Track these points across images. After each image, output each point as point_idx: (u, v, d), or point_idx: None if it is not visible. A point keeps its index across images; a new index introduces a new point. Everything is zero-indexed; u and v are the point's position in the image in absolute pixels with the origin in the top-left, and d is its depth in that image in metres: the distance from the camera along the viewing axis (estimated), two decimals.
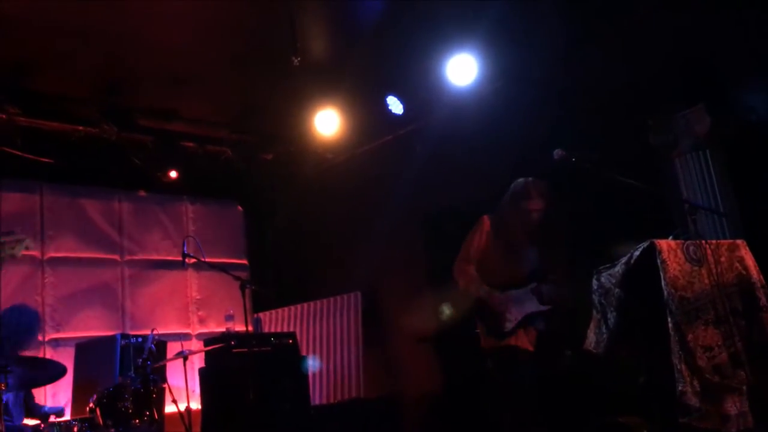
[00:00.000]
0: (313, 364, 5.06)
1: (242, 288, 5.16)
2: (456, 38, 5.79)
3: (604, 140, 5.35)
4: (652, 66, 5.29)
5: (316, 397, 6.92)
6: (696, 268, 3.35)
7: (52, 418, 5.32)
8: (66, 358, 6.27)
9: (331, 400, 6.97)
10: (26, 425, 5.17)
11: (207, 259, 5.69)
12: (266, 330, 7.43)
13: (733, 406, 3.31)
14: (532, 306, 4.56)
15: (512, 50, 5.76)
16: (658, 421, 3.80)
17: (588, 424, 4.74)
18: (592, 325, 3.53)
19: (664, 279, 3.22)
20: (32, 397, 5.50)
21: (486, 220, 4.78)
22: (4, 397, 4.95)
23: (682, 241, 3.47)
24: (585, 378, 4.95)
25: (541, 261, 4.63)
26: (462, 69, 5.88)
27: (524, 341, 4.60)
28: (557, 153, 3.92)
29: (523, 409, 4.52)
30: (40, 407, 5.50)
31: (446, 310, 5.92)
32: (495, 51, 5.81)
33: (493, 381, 4.73)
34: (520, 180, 4.74)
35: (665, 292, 3.21)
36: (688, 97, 5.24)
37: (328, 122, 6.58)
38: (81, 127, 6.51)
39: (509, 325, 4.56)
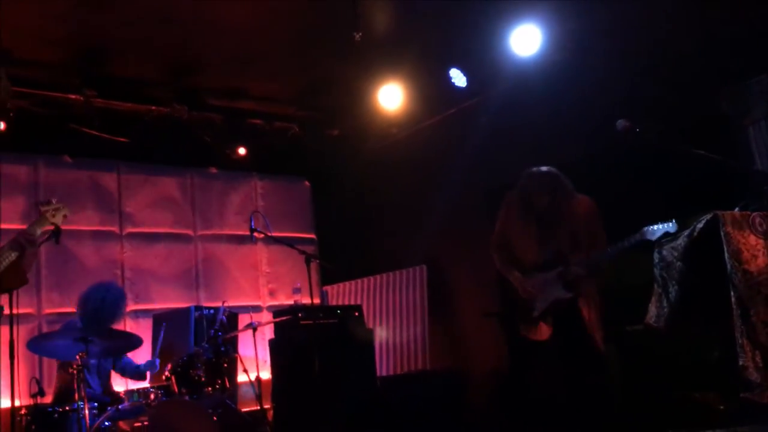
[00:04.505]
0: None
1: (307, 262, 5.29)
2: (520, 8, 5.69)
3: (675, 110, 5.21)
4: (724, 31, 5.09)
5: (383, 368, 7.04)
6: (761, 240, 3.25)
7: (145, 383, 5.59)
8: (145, 328, 6.60)
9: (397, 371, 7.08)
10: (111, 392, 5.49)
11: (274, 234, 5.84)
12: (333, 303, 7.58)
13: None
14: (558, 292, 4.54)
15: (577, 19, 5.63)
16: (734, 396, 3.73)
17: (664, 399, 4.69)
18: (653, 299, 3.47)
19: (727, 252, 3.14)
20: (129, 360, 5.70)
21: (503, 206, 4.88)
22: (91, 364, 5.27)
23: (749, 213, 3.37)
24: (659, 353, 4.88)
25: (560, 247, 4.58)
26: (526, 39, 5.78)
27: (542, 332, 4.59)
28: (621, 124, 3.86)
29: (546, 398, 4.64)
30: (136, 366, 5.66)
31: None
32: (560, 20, 5.69)
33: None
34: (529, 172, 4.71)
35: (728, 266, 3.13)
36: (762, 62, 5.03)
37: (391, 97, 6.60)
38: (154, 107, 6.75)
39: (536, 313, 4.60)
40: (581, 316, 4.48)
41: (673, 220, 4.02)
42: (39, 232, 3.63)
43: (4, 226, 6.03)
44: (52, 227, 3.69)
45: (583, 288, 4.51)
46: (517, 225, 4.75)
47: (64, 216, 3.79)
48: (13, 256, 3.49)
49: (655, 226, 4.09)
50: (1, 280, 3.48)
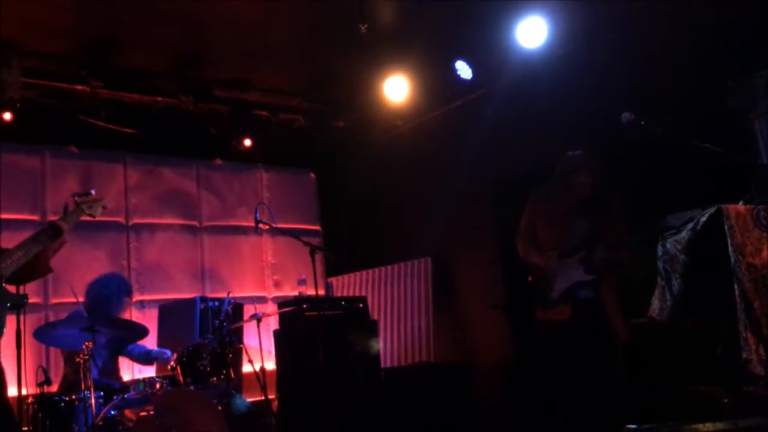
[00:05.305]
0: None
1: (312, 253, 5.31)
2: (526, 0, 5.69)
3: (680, 104, 5.20)
4: (729, 25, 5.07)
5: (387, 360, 7.07)
6: (766, 234, 3.25)
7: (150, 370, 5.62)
8: (151, 318, 6.64)
9: (402, 363, 7.10)
10: (113, 382, 5.51)
11: (279, 225, 5.86)
12: (337, 294, 7.60)
13: None
14: (578, 275, 4.59)
15: (584, 12, 5.62)
16: (738, 390, 3.74)
17: (668, 392, 4.70)
18: (656, 292, 3.47)
19: (731, 245, 3.14)
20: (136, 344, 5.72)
21: (532, 197, 4.91)
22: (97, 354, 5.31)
23: (753, 206, 3.36)
24: (663, 346, 4.90)
25: (589, 232, 4.62)
26: (532, 32, 5.77)
27: (560, 314, 4.63)
28: (626, 117, 3.86)
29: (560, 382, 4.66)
30: (147, 351, 5.70)
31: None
32: (566, 13, 5.68)
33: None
34: (568, 154, 4.78)
35: (732, 259, 3.13)
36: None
37: (397, 89, 6.59)
38: (160, 99, 6.75)
39: (555, 295, 4.64)
40: (601, 301, 4.53)
41: (699, 209, 4.02)
42: (72, 224, 3.57)
43: (10, 216, 6.07)
44: (89, 218, 3.65)
45: (604, 274, 4.55)
46: (549, 213, 4.79)
47: (103, 207, 3.74)
48: (35, 250, 3.41)
49: (681, 214, 4.10)
50: (21, 273, 3.42)
